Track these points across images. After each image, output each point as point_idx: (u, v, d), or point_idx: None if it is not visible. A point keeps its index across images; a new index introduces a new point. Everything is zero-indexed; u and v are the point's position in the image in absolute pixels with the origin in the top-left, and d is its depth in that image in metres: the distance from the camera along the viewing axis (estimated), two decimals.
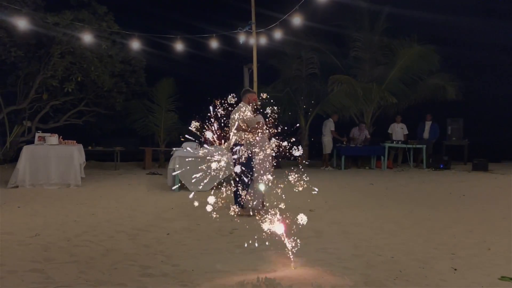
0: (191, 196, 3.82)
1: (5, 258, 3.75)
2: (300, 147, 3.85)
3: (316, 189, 4.02)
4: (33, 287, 3.10)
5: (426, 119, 13.63)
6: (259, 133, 5.76)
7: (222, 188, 4.34)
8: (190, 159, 7.76)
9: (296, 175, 3.72)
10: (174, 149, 9.13)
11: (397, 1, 13.92)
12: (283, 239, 3.66)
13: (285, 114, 12.95)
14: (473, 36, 15.13)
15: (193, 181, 7.55)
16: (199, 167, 4.27)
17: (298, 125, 13.86)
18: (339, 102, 13.54)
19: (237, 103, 4.90)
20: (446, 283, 3.23)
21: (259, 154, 5.64)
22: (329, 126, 13.25)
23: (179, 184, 7.92)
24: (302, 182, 3.67)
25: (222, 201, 4.10)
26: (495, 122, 15.73)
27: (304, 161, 12.96)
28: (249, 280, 3.23)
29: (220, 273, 3.42)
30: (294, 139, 4.06)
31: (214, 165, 4.08)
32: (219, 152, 4.28)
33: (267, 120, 4.96)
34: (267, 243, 3.71)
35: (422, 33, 14.12)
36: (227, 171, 7.02)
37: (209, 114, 4.19)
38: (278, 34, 9.17)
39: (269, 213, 3.61)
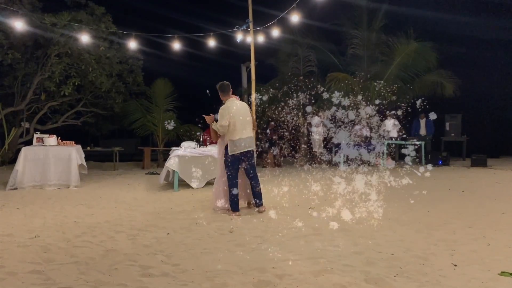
0: (194, 186, 3.83)
1: (5, 260, 3.74)
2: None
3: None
4: None
5: (420, 117, 13.72)
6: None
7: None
8: (189, 157, 7.78)
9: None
10: (172, 148, 9.14)
11: None
12: (282, 237, 3.66)
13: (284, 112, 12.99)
14: (470, 33, 15.17)
15: (192, 179, 7.65)
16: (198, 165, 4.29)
17: None
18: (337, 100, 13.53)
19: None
20: (446, 279, 3.23)
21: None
22: (312, 123, 13.48)
23: (174, 181, 7.94)
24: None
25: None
26: (494, 118, 15.76)
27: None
28: (249, 279, 3.23)
29: (220, 273, 3.42)
30: None
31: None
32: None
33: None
34: (266, 242, 3.72)
35: (419, 30, 14.15)
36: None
37: None
38: (275, 32, 9.15)
39: (269, 211, 3.60)
